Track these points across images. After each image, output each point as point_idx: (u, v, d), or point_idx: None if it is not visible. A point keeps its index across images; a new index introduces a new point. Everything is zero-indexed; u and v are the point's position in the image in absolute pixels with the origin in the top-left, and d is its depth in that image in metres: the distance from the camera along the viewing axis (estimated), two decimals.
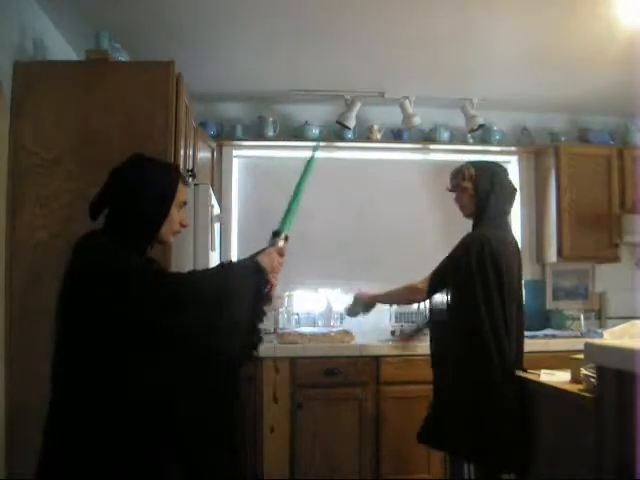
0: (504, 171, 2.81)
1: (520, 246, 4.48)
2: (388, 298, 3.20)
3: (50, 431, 1.57)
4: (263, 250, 1.78)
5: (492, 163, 2.87)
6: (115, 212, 1.73)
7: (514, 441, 2.47)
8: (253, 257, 1.74)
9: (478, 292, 2.55)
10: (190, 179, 3.04)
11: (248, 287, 1.67)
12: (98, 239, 1.67)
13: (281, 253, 1.81)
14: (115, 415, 1.53)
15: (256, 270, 1.69)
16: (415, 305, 4.33)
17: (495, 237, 2.65)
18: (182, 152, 2.87)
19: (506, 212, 2.78)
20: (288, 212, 1.96)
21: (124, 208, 1.71)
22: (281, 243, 1.82)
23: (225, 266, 1.75)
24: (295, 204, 2.00)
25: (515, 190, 2.83)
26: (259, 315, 1.70)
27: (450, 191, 2.85)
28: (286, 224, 1.92)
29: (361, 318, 3.25)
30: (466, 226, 2.82)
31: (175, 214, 1.78)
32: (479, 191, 2.69)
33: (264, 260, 1.73)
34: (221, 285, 1.62)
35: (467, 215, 2.79)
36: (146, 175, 1.75)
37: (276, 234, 1.86)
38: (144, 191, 1.72)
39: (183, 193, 1.82)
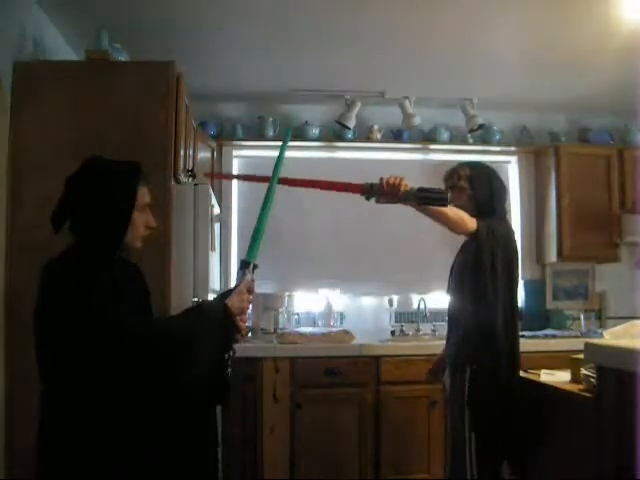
0: (493, 171, 2.81)
1: (520, 246, 4.54)
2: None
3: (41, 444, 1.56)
4: (233, 289, 1.71)
5: (484, 164, 2.88)
6: (76, 223, 1.68)
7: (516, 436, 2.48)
8: (223, 299, 1.68)
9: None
10: (190, 179, 3.04)
11: (216, 337, 1.63)
12: (64, 266, 1.62)
13: (250, 290, 1.75)
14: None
15: (225, 316, 1.64)
16: (415, 305, 4.36)
17: (496, 230, 2.66)
18: (182, 152, 2.87)
19: (501, 208, 2.77)
20: (254, 239, 1.88)
21: (84, 219, 1.66)
22: (249, 277, 1.75)
23: (194, 313, 1.70)
24: (261, 230, 1.94)
25: (506, 188, 2.85)
26: (226, 361, 1.66)
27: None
28: (253, 252, 1.84)
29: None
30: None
31: (138, 218, 1.72)
32: (478, 191, 2.69)
33: (234, 303, 1.67)
34: (188, 336, 1.58)
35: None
36: (102, 182, 1.68)
37: (244, 265, 1.78)
38: (101, 200, 1.65)
39: (145, 194, 1.74)
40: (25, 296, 2.49)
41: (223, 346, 1.66)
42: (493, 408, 2.49)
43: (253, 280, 1.77)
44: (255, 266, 1.80)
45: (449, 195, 2.52)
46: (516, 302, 2.66)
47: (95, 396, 1.51)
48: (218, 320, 1.64)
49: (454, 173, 2.77)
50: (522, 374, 2.65)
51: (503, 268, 2.55)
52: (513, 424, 2.49)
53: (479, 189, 2.69)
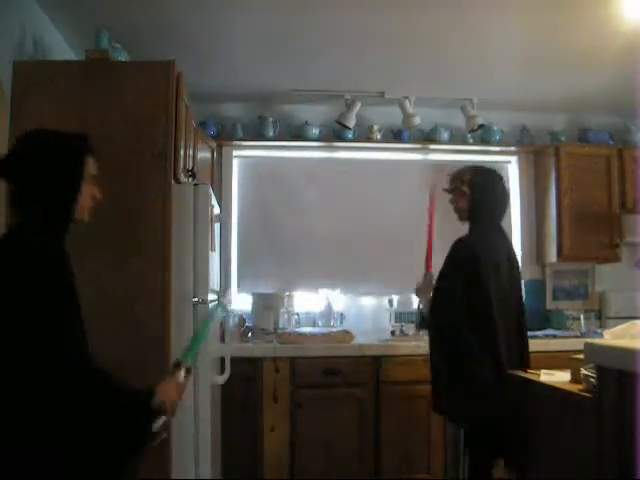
0: (500, 177, 2.84)
1: (520, 246, 4.56)
2: None
3: None
4: (165, 381, 1.67)
5: (490, 169, 2.89)
6: (22, 197, 1.60)
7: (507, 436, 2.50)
8: (151, 391, 1.60)
9: (455, 293, 2.62)
10: (190, 179, 3.04)
11: (131, 428, 1.55)
12: (16, 253, 1.53)
13: (181, 389, 1.71)
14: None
15: (148, 409, 1.57)
16: (415, 305, 4.36)
17: (483, 240, 2.70)
18: (182, 152, 2.87)
19: (498, 217, 2.80)
20: (193, 346, 1.86)
21: (29, 189, 1.59)
22: (181, 377, 1.73)
23: (115, 398, 1.56)
24: (200, 339, 1.92)
25: (509, 196, 2.89)
26: (134, 454, 1.59)
27: (447, 192, 2.87)
28: (189, 357, 1.81)
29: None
30: (466, 225, 2.82)
31: (86, 189, 1.68)
32: (474, 196, 2.73)
33: (160, 396, 1.60)
34: (102, 417, 1.51)
35: (462, 219, 2.82)
36: (49, 153, 1.63)
37: (177, 365, 1.75)
38: (50, 171, 1.60)
39: (92, 165, 1.70)
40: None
41: (137, 437, 1.57)
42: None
43: (185, 382, 1.75)
44: (189, 370, 1.78)
45: (450, 198, 2.64)
46: (497, 306, 2.64)
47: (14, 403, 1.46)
48: (138, 411, 1.57)
49: (459, 176, 2.80)
50: (522, 374, 2.65)
51: (455, 272, 2.64)
52: (503, 424, 2.50)
53: (479, 195, 2.73)
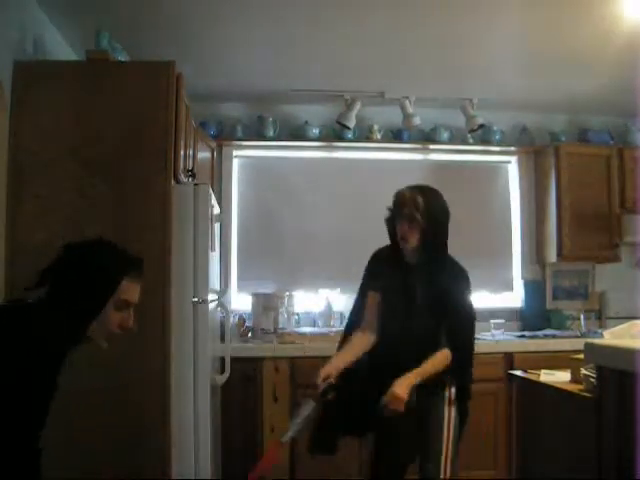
0: (442, 196, 2.50)
1: (520, 246, 4.56)
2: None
3: None
4: None
5: (433, 188, 2.50)
6: (55, 289, 1.58)
7: None
8: None
9: None
10: (190, 179, 3.04)
11: None
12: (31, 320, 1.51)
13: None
14: None
15: None
16: None
17: None
18: (182, 152, 2.87)
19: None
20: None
21: (61, 290, 1.56)
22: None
23: None
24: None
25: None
26: None
27: (390, 217, 2.51)
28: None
29: None
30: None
31: (111, 315, 1.59)
32: (432, 225, 2.39)
33: None
34: None
35: (413, 246, 2.42)
36: (88, 262, 1.58)
37: None
38: (79, 280, 1.55)
39: (130, 291, 1.61)
40: (25, 296, 2.50)
41: None
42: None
43: None
44: None
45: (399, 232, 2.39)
46: None
47: None
48: None
49: (410, 202, 2.39)
50: (522, 374, 2.65)
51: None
52: None
53: (433, 223, 2.39)
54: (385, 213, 2.55)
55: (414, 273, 2.47)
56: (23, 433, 1.44)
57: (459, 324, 2.45)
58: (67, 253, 1.62)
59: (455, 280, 2.47)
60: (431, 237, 2.39)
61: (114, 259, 1.63)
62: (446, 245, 2.47)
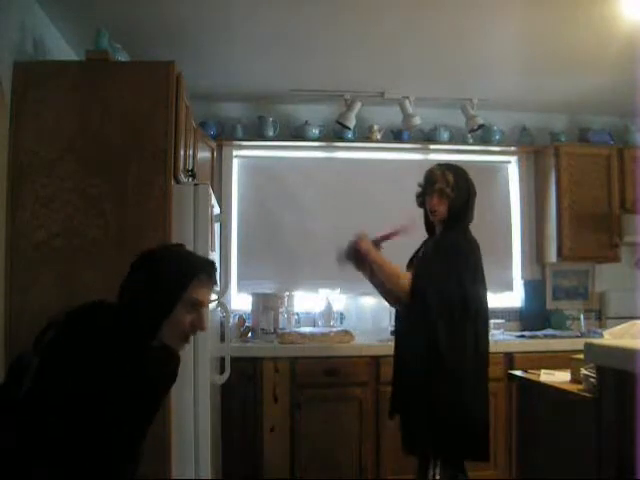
0: (468, 174, 2.77)
1: (520, 246, 4.56)
2: (378, 272, 2.76)
3: None
4: None
5: (461, 167, 2.79)
6: (126, 297, 1.62)
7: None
8: None
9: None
10: (190, 179, 3.04)
11: None
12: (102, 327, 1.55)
13: None
14: None
15: None
16: None
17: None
18: (182, 152, 2.87)
19: (472, 218, 2.79)
20: None
21: (132, 297, 1.59)
22: None
23: None
24: None
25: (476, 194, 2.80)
26: None
27: (421, 193, 2.80)
28: None
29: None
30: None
31: (182, 315, 1.61)
32: (458, 198, 2.67)
33: None
34: None
35: (439, 220, 2.72)
36: (157, 267, 1.62)
37: None
38: (148, 284, 1.58)
39: (201, 292, 1.63)
40: (25, 296, 2.50)
41: None
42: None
43: None
44: None
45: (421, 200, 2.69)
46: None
47: None
48: None
49: (441, 177, 2.68)
50: (522, 374, 2.65)
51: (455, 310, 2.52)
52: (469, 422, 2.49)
53: (459, 196, 2.67)
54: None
55: (427, 245, 2.70)
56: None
57: (419, 285, 2.54)
58: (140, 258, 1.67)
59: (438, 250, 2.61)
60: (457, 211, 2.64)
61: (184, 261, 1.66)
62: (465, 221, 2.68)
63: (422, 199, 2.77)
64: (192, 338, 1.71)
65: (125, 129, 2.60)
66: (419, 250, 2.83)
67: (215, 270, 1.70)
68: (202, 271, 1.66)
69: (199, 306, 1.64)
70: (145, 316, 1.58)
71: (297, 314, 4.22)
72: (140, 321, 1.57)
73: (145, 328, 1.58)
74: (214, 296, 1.70)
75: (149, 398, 1.58)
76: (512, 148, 4.58)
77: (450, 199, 2.65)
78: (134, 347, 1.55)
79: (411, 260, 2.83)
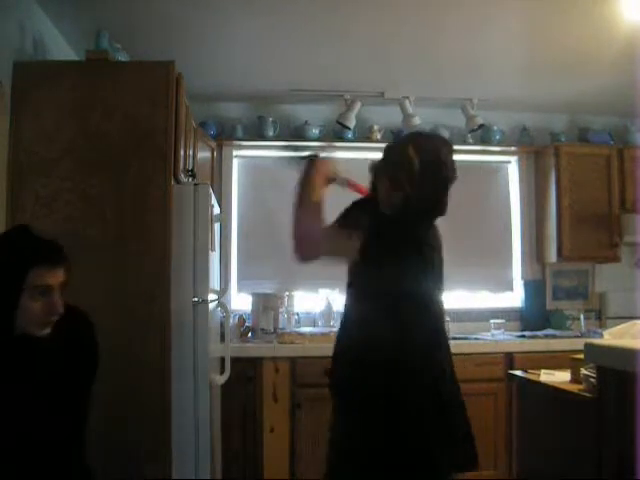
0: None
1: (520, 246, 4.56)
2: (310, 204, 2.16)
3: None
4: None
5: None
6: None
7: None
8: None
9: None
10: (190, 179, 3.04)
11: None
12: None
13: None
14: None
15: None
16: None
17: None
18: (182, 152, 2.87)
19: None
20: None
21: None
22: None
23: None
24: None
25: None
26: None
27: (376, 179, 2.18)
28: None
29: None
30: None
31: (29, 304, 1.55)
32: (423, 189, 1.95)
33: None
34: None
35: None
36: None
37: None
38: None
39: (45, 277, 1.57)
40: None
41: None
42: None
43: None
44: None
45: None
46: None
47: None
48: None
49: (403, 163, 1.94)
50: (522, 374, 2.65)
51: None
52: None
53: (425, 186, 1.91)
54: None
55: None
56: None
57: None
58: None
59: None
60: None
61: (18, 250, 1.59)
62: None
63: None
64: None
65: (125, 129, 2.60)
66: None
67: (57, 250, 1.63)
68: (40, 257, 1.59)
69: (48, 291, 1.59)
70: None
71: (297, 314, 4.22)
72: None
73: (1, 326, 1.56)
74: (62, 274, 1.62)
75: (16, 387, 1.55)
76: (512, 148, 4.58)
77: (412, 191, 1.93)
78: None
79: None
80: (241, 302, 4.25)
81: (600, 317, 4.54)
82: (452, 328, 4.27)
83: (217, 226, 3.19)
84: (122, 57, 2.88)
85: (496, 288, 4.57)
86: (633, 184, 4.26)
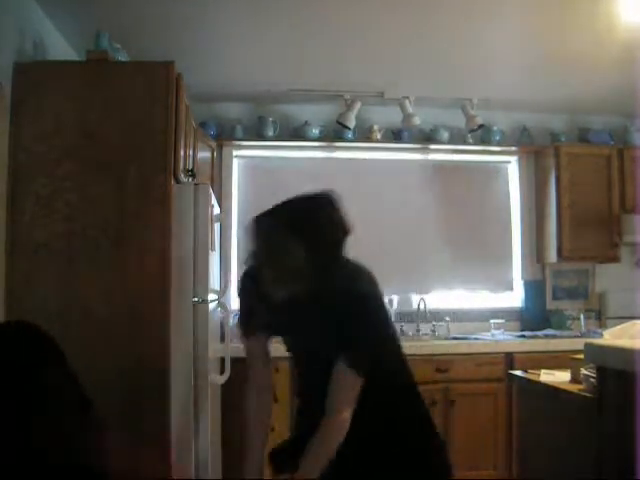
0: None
1: (520, 246, 4.56)
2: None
3: None
4: None
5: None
6: None
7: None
8: None
9: None
10: (190, 179, 3.04)
11: None
12: None
13: None
14: None
15: None
16: (415, 306, 4.37)
17: None
18: (182, 152, 2.87)
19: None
20: None
21: None
22: None
23: None
24: None
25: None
26: None
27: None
28: None
29: None
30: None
31: None
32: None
33: None
34: None
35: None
36: None
37: None
38: None
39: None
40: (25, 296, 2.50)
41: None
42: None
43: None
44: None
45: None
46: None
47: None
48: None
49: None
50: (522, 374, 2.65)
51: None
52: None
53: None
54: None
55: None
56: None
57: None
58: None
59: None
60: None
61: None
62: None
63: None
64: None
65: (125, 129, 2.59)
66: None
67: None
68: None
69: None
70: None
71: None
72: None
73: None
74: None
75: None
76: (512, 148, 4.58)
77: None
78: None
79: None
80: None
81: (600, 317, 4.54)
82: (452, 328, 4.28)
83: (217, 226, 3.19)
84: (122, 57, 2.88)
85: (496, 288, 4.57)
86: (633, 184, 4.26)
